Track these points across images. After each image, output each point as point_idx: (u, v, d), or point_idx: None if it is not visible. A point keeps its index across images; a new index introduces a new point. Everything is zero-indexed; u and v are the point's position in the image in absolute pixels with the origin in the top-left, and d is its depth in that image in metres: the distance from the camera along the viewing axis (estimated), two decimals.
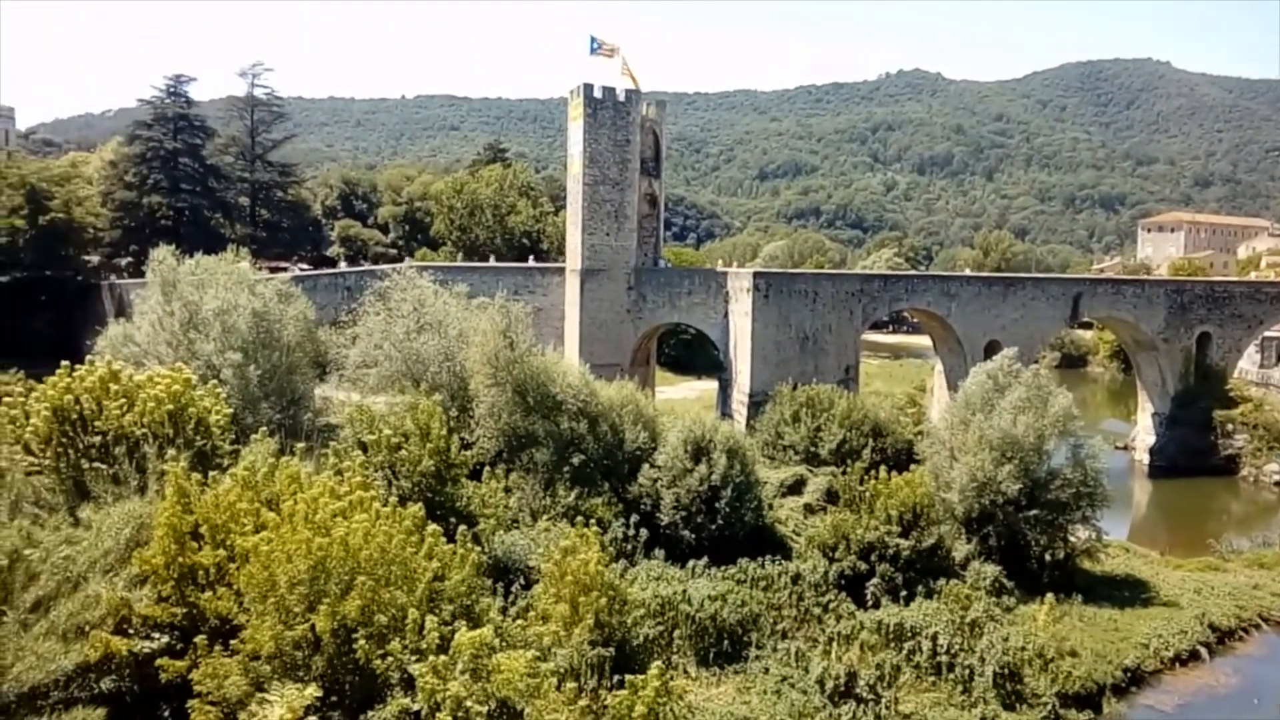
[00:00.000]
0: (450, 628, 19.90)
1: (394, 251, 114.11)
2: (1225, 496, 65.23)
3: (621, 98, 66.68)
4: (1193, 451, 69.25)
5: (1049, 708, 29.37)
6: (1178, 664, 35.01)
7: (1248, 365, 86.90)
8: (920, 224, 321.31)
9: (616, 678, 24.35)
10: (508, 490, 36.31)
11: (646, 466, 39.72)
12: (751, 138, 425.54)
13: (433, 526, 23.01)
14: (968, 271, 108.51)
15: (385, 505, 23.13)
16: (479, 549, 25.86)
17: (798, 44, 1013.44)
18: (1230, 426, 69.61)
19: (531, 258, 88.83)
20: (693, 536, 37.74)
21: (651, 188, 70.54)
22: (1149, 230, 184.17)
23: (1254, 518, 61.07)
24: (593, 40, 67.91)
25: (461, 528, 24.57)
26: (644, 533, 37.40)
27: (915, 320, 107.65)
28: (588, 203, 66.34)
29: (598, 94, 66.10)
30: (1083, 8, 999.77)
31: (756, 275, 61.91)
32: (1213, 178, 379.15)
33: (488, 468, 36.80)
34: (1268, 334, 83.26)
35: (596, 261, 66.57)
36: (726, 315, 64.32)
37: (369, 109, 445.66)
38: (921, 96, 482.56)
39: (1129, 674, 33.29)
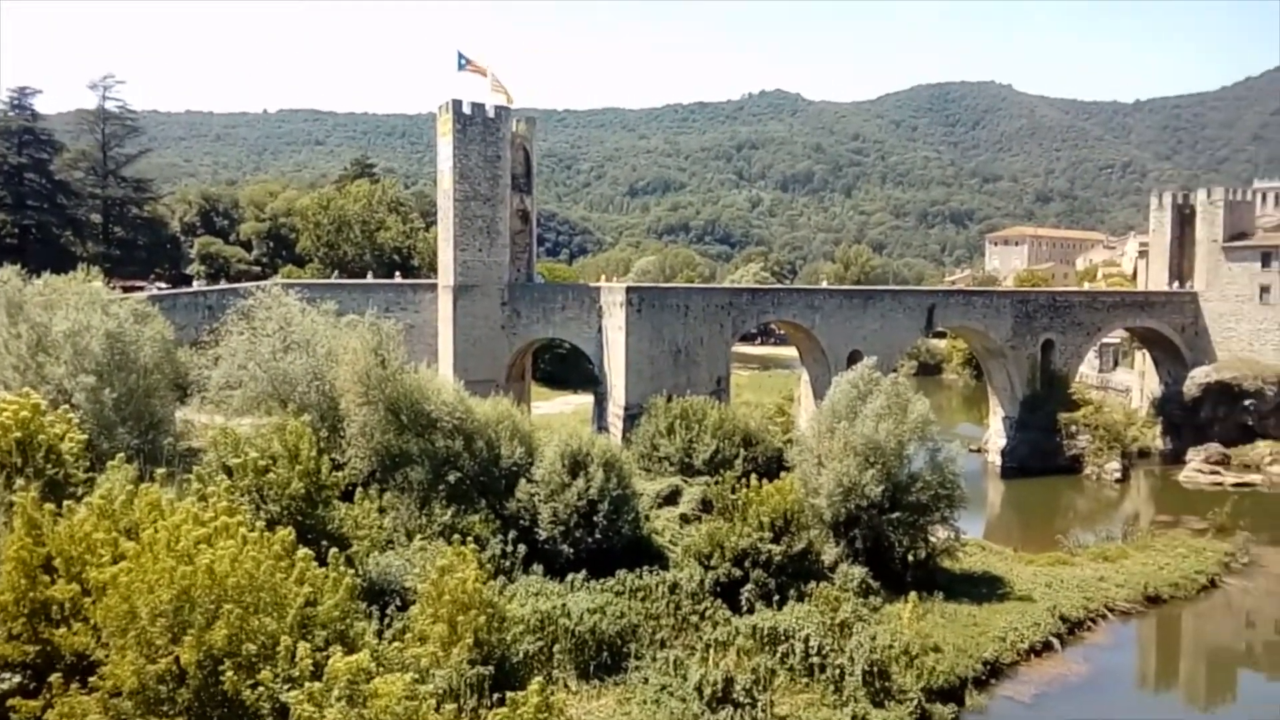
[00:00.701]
0: (324, 654, 19.54)
1: (258, 269, 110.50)
2: (1071, 494, 69.14)
3: (491, 114, 66.55)
4: (1040, 452, 73.17)
5: (915, 703, 30.59)
6: (1033, 655, 36.96)
7: (1088, 370, 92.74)
8: (785, 239, 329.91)
9: (497, 696, 24.27)
10: (382, 510, 35.71)
11: (524, 482, 39.71)
12: (621, 154, 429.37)
13: (303, 550, 22.53)
14: (829, 284, 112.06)
15: (253, 530, 22.50)
16: (353, 572, 25.42)
17: (664, 63, 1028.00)
18: (1074, 428, 73.86)
19: (399, 274, 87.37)
20: (571, 550, 37.88)
21: (523, 203, 70.54)
22: (995, 244, 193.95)
23: (1097, 513, 64.96)
24: (460, 56, 67.61)
25: (334, 550, 24.08)
26: (522, 548, 37.38)
27: (782, 332, 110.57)
28: (459, 218, 65.90)
29: (467, 110, 65.81)
30: (931, 32, 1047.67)
31: (629, 290, 62.61)
32: (1052, 194, 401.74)
33: (360, 488, 36.14)
34: (1105, 340, 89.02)
35: (469, 277, 66.16)
36: (601, 330, 64.79)
37: (229, 123, 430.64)
38: (783, 116, 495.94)
39: (988, 666, 34.99)
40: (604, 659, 30.80)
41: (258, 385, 40.52)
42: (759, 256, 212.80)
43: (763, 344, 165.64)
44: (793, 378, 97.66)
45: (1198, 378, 77.05)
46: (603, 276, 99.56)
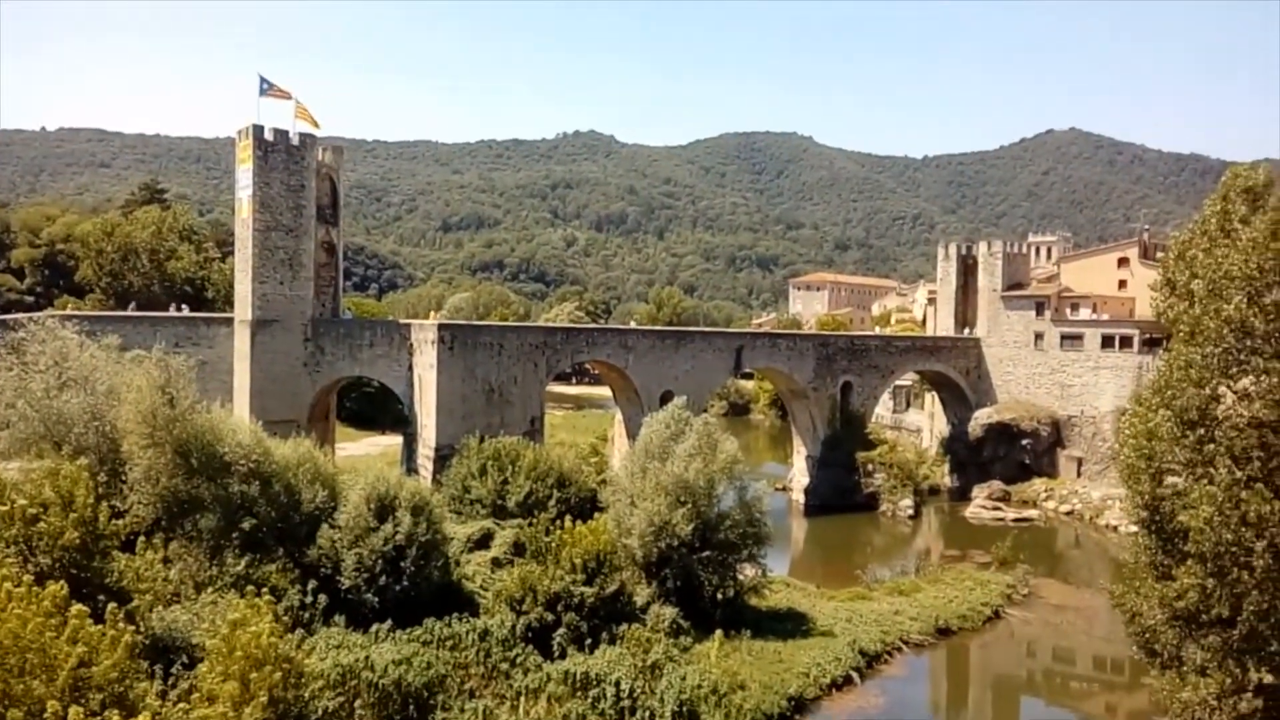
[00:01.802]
0: (99, 718, 17.95)
1: (31, 299, 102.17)
2: (869, 530, 72.33)
3: (295, 141, 64.28)
4: (840, 490, 76.38)
5: None
6: (834, 689, 38.10)
7: (883, 411, 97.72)
8: (599, 279, 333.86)
9: None
10: (167, 561, 33.41)
11: (326, 528, 38.05)
12: (434, 189, 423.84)
13: (77, 607, 20.78)
14: (642, 325, 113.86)
15: (19, 585, 20.50)
16: (133, 629, 23.54)
17: (478, 99, 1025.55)
18: (870, 466, 77.53)
19: (185, 307, 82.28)
20: (376, 599, 36.48)
21: (329, 235, 68.30)
22: (799, 289, 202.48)
23: (893, 549, 68.18)
24: (262, 81, 65.05)
25: (112, 605, 22.34)
26: (323, 598, 35.75)
27: (596, 372, 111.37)
28: (259, 249, 63.08)
29: (269, 136, 63.30)
30: (737, 82, 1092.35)
31: (441, 327, 61.48)
32: (850, 242, 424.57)
33: (143, 537, 33.59)
34: (899, 382, 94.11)
35: (269, 312, 63.28)
36: (411, 368, 63.24)
37: (2, 140, 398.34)
38: (597, 157, 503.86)
39: (793, 702, 35.79)
40: (410, 712, 29.66)
41: (28, 426, 37.31)
42: (574, 296, 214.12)
43: (578, 383, 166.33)
44: (607, 417, 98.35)
45: (981, 419, 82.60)
46: (414, 313, 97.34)
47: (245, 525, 36.88)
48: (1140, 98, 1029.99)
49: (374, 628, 35.07)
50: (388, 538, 36.93)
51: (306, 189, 64.89)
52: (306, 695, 26.61)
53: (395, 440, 77.13)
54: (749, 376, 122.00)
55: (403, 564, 36.84)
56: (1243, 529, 21.61)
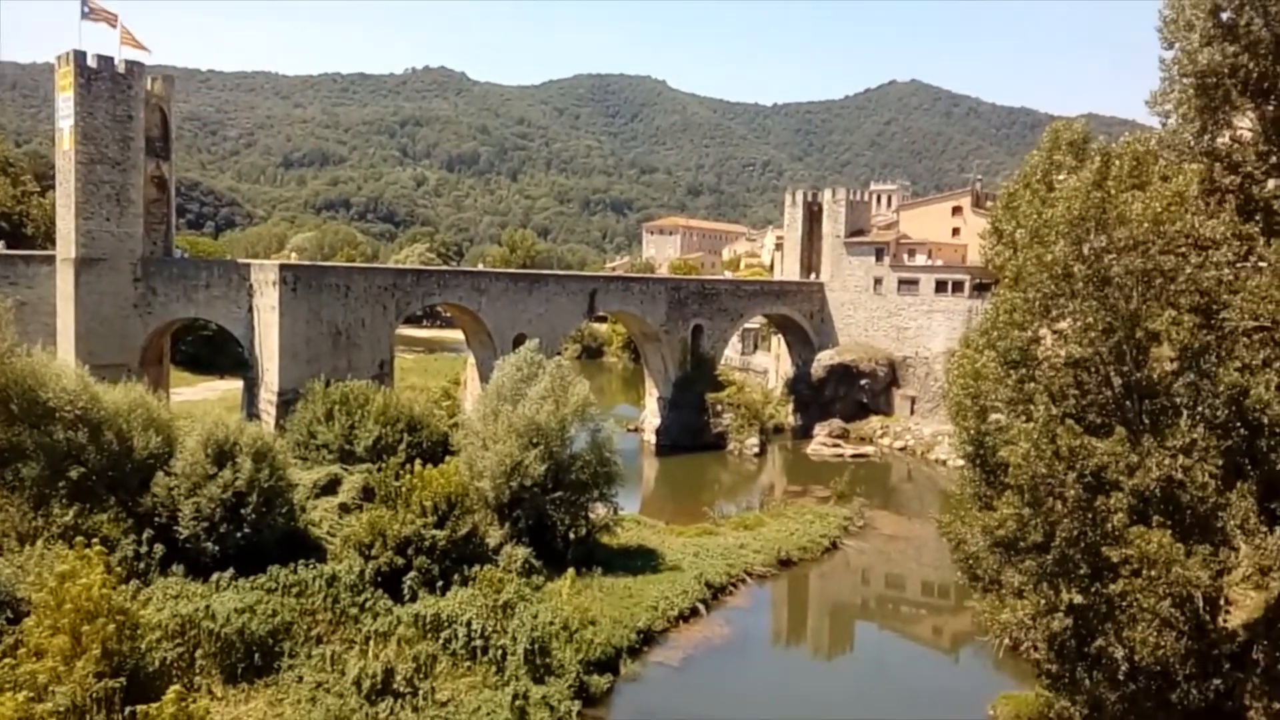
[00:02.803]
0: None
1: None
2: (717, 469, 74.38)
3: (122, 69, 60.07)
4: (691, 430, 78.13)
5: (574, 675, 31.57)
6: (682, 621, 39.37)
7: (732, 353, 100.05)
8: (451, 220, 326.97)
9: (130, 710, 22.21)
10: None
11: (161, 475, 36.46)
12: (274, 123, 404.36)
13: None
14: (495, 268, 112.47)
15: None
16: None
17: (322, 30, 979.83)
18: (719, 407, 79.50)
19: (1, 244, 76.46)
20: (216, 548, 35.37)
21: (160, 169, 64.43)
22: (652, 233, 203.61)
23: (739, 486, 70.40)
24: (84, 2, 60.36)
25: None
26: (159, 548, 34.56)
27: (449, 315, 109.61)
28: (82, 184, 58.99)
29: (92, 63, 58.91)
30: (592, 24, 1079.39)
31: (283, 268, 59.15)
32: (702, 187, 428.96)
33: None
34: (747, 326, 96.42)
35: (95, 250, 59.45)
36: (251, 310, 60.74)
37: None
38: (448, 95, 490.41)
39: (642, 635, 36.83)
40: (254, 661, 29.03)
41: None
42: (424, 237, 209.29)
43: (429, 327, 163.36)
44: (459, 361, 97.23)
45: (823, 360, 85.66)
46: (254, 253, 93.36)
47: (73, 474, 35.10)
48: (977, 52, 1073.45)
49: (215, 576, 34.08)
50: (227, 484, 35.74)
51: (134, 120, 60.87)
52: (143, 647, 25.81)
53: (235, 385, 74.25)
54: (602, 320, 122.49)
55: (244, 511, 35.75)
56: (1056, 462, 23.25)
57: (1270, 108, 25.50)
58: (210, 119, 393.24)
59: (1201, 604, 23.04)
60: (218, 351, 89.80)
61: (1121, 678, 23.01)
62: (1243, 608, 31.03)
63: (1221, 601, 26.38)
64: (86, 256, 59.18)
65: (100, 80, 59.15)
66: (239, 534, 35.67)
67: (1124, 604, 22.65)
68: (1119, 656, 22.60)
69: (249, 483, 36.00)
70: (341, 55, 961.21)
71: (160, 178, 64.57)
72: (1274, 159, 26.08)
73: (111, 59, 59.88)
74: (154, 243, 63.84)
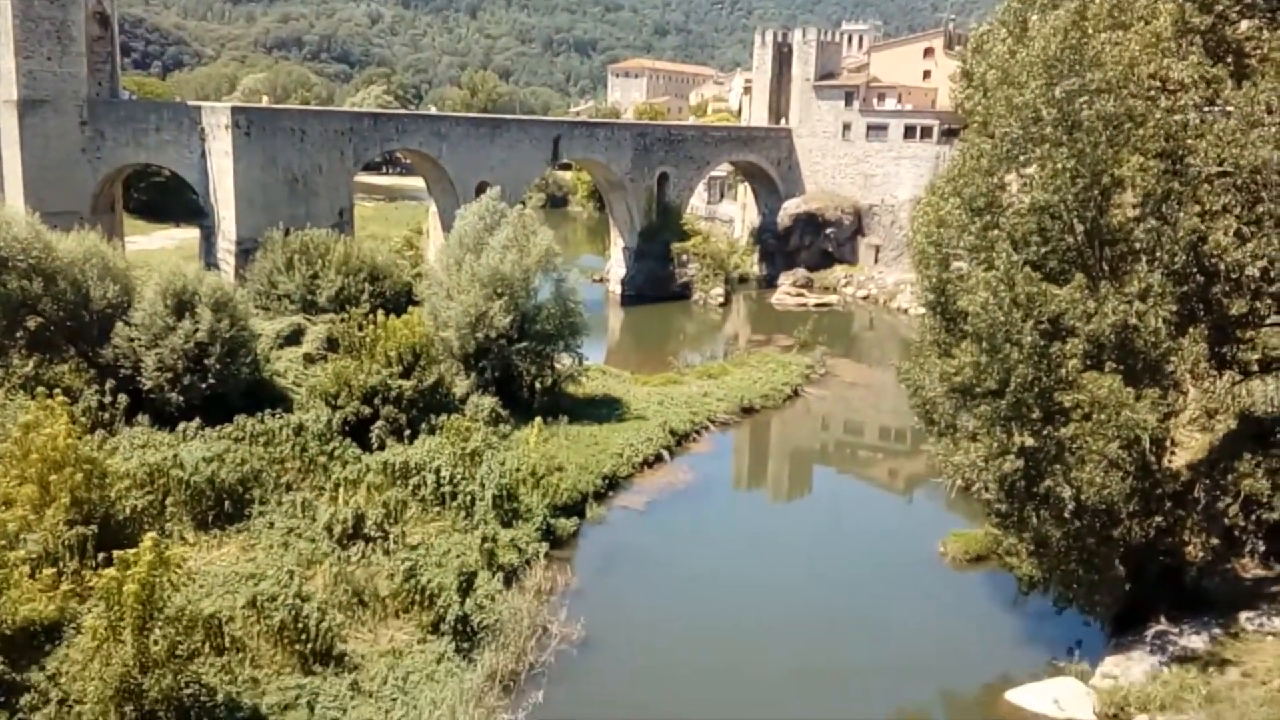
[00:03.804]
0: None
1: None
2: (682, 319, 74.72)
3: None
4: (656, 281, 78.00)
5: (541, 519, 32.40)
6: (646, 467, 40.22)
7: (698, 202, 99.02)
8: (408, 61, 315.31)
9: (103, 556, 22.59)
10: None
11: (121, 326, 36.01)
12: None
13: None
14: (455, 112, 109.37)
15: None
16: None
17: None
18: (685, 257, 79.19)
19: None
20: (181, 398, 35.36)
21: (101, 4, 61.09)
22: (617, 75, 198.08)
23: (704, 335, 70.98)
24: None
25: None
26: (123, 399, 34.48)
27: (409, 161, 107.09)
28: (20, 20, 55.93)
29: None
30: None
31: (236, 111, 57.14)
32: (669, 26, 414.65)
33: None
34: (714, 174, 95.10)
35: (37, 91, 56.90)
36: (205, 155, 58.91)
37: None
38: None
39: (607, 481, 37.64)
40: (224, 508, 29.42)
41: None
42: (381, 79, 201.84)
43: (389, 174, 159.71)
44: (421, 209, 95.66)
45: (789, 209, 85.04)
46: (205, 95, 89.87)
47: (30, 324, 34.66)
48: None
49: (181, 426, 34.20)
50: (188, 335, 35.40)
51: None
52: (112, 495, 26.00)
53: (191, 234, 72.80)
54: (567, 167, 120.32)
55: (207, 361, 35.57)
56: (1014, 310, 23.47)
57: None
58: None
59: (1148, 446, 23.78)
60: (172, 199, 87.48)
61: (1067, 515, 23.90)
62: (1188, 449, 32.20)
63: (1168, 443, 27.31)
64: (29, 98, 56.73)
65: None
66: (203, 384, 35.59)
67: (1074, 446, 23.34)
68: (1066, 496, 23.41)
69: (210, 333, 35.68)
70: None
71: (102, 13, 61.36)
72: None
73: None
74: (99, 84, 61.18)
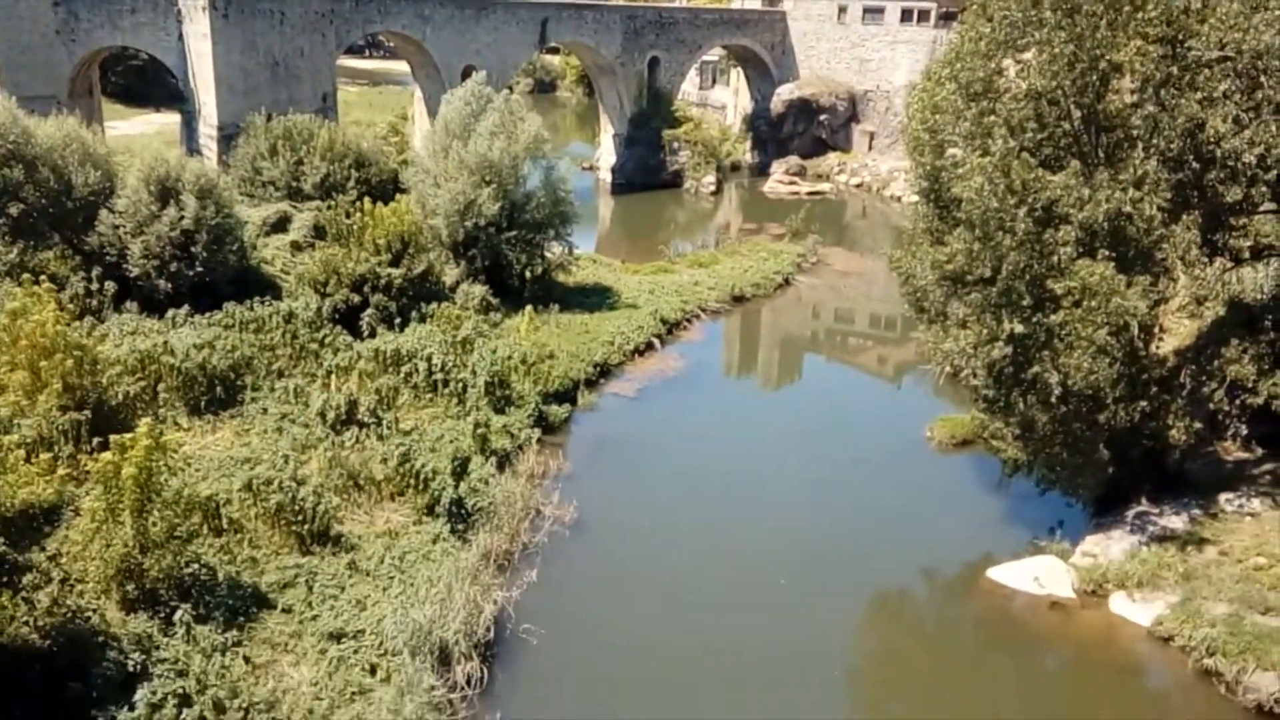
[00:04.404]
0: None
1: None
2: (673, 207, 74.03)
3: None
4: (647, 168, 76.97)
5: (533, 406, 32.68)
6: (637, 355, 40.38)
7: (689, 88, 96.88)
8: None
9: (98, 440, 22.79)
10: None
11: (105, 213, 35.55)
12: None
13: None
14: None
15: None
16: None
17: None
18: (676, 144, 77.98)
19: None
20: (169, 285, 35.24)
21: None
22: None
23: (695, 224, 70.46)
24: None
25: None
26: (111, 286, 34.32)
27: (392, 45, 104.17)
28: None
29: None
30: None
31: None
32: None
33: None
34: (706, 58, 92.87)
35: None
36: (182, 38, 57.19)
37: None
38: None
39: (598, 368, 37.85)
40: (217, 394, 29.56)
41: None
42: None
43: (372, 58, 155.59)
44: (406, 94, 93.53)
45: (783, 95, 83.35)
46: None
47: (12, 210, 34.18)
48: None
49: (170, 314, 34.14)
50: (173, 222, 35.03)
51: None
52: (104, 381, 26.10)
53: (172, 119, 71.12)
54: (555, 51, 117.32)
55: (193, 249, 35.29)
56: (1008, 196, 23.32)
57: None
58: None
59: (1137, 332, 23.95)
60: (151, 83, 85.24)
61: (1053, 400, 24.20)
62: (1176, 335, 32.53)
63: (1157, 330, 27.56)
64: None
65: None
66: (191, 272, 35.41)
67: (1063, 333, 23.50)
68: (1053, 381, 23.67)
69: (196, 220, 35.30)
70: None
71: None
72: None
73: None
74: None
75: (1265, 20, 22.73)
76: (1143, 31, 23.72)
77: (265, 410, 29.40)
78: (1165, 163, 23.93)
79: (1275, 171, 24.22)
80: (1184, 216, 23.72)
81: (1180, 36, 24.07)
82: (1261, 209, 26.67)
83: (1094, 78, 24.05)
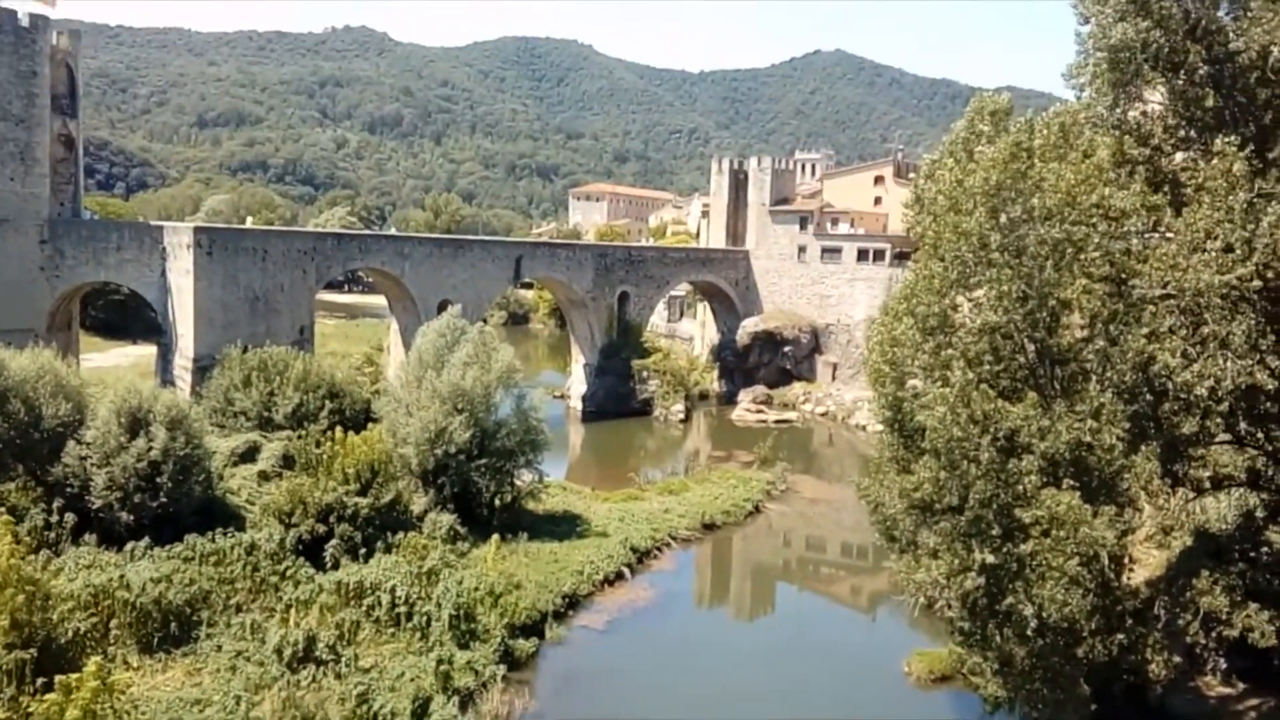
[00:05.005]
0: None
1: None
2: (643, 434, 74.77)
3: (25, 22, 57.47)
4: (617, 397, 78.32)
5: (499, 640, 31.64)
6: (607, 585, 39.65)
7: (658, 320, 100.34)
8: (373, 183, 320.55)
9: (42, 681, 21.69)
10: None
11: (73, 444, 35.38)
12: (187, 81, 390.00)
13: None
14: (418, 232, 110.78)
15: None
16: None
17: None
18: (645, 374, 79.79)
19: None
20: (131, 517, 34.66)
21: (67, 128, 62.02)
22: (579, 199, 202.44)
23: (665, 451, 70.94)
24: None
25: None
26: (71, 518, 33.67)
27: (371, 280, 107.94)
28: None
29: None
30: None
31: (198, 230, 57.56)
32: (629, 154, 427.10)
33: None
34: (674, 293, 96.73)
35: None
36: (165, 274, 58.99)
37: None
38: (369, 55, 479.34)
39: (567, 599, 37.01)
40: (171, 630, 28.53)
41: None
42: (345, 200, 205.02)
43: (350, 292, 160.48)
44: (382, 327, 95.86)
45: (748, 327, 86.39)
46: (168, 215, 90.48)
47: None
48: (900, 23, 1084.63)
49: (129, 546, 33.40)
50: (141, 454, 34.87)
51: (39, 75, 58.37)
52: (55, 618, 25.13)
53: (149, 351, 72.22)
54: (529, 286, 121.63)
55: (159, 480, 34.96)
56: (971, 426, 23.85)
57: (1179, 82, 26.21)
58: (120, 76, 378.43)
59: (1107, 562, 23.89)
60: (130, 316, 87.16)
61: (1030, 634, 23.80)
62: (1145, 566, 32.42)
63: (1126, 560, 27.50)
64: None
65: (3, 34, 56.58)
66: (154, 503, 34.92)
67: (1034, 563, 23.41)
68: (1028, 614, 23.35)
69: (164, 451, 35.17)
70: (258, 12, 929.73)
71: (67, 136, 62.21)
72: (1182, 132, 26.90)
73: (14, 13, 57.37)
74: (61, 203, 61.63)
75: (1203, 260, 24.12)
76: (1087, 271, 25.04)
77: (220, 647, 28.28)
78: (1120, 395, 24.65)
79: (1228, 404, 24.98)
80: (1143, 447, 24.21)
81: (1123, 275, 25.39)
82: (1218, 440, 27.31)
83: (1044, 314, 25.13)
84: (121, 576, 29.85)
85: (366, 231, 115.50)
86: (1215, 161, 23.80)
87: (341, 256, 65.65)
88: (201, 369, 54.65)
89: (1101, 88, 26.67)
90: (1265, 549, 27.10)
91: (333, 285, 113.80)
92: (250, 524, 37.44)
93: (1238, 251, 23.19)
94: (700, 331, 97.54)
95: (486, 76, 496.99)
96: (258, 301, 58.62)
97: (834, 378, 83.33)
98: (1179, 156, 27.06)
